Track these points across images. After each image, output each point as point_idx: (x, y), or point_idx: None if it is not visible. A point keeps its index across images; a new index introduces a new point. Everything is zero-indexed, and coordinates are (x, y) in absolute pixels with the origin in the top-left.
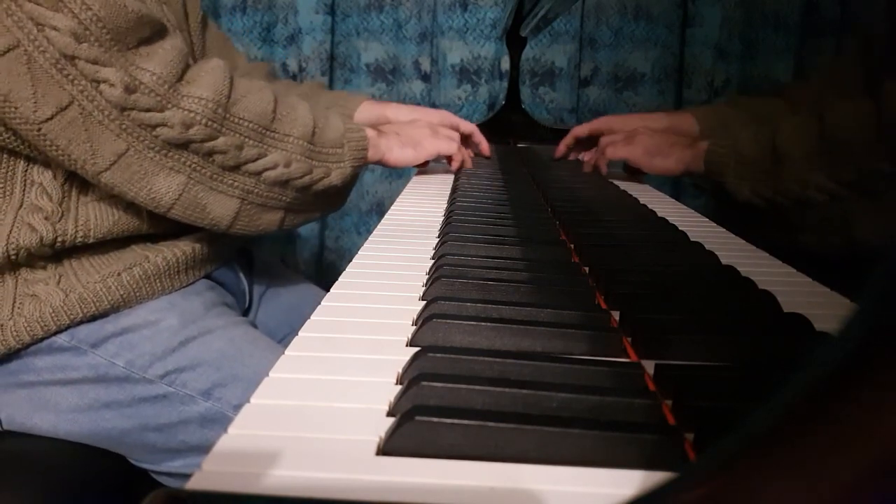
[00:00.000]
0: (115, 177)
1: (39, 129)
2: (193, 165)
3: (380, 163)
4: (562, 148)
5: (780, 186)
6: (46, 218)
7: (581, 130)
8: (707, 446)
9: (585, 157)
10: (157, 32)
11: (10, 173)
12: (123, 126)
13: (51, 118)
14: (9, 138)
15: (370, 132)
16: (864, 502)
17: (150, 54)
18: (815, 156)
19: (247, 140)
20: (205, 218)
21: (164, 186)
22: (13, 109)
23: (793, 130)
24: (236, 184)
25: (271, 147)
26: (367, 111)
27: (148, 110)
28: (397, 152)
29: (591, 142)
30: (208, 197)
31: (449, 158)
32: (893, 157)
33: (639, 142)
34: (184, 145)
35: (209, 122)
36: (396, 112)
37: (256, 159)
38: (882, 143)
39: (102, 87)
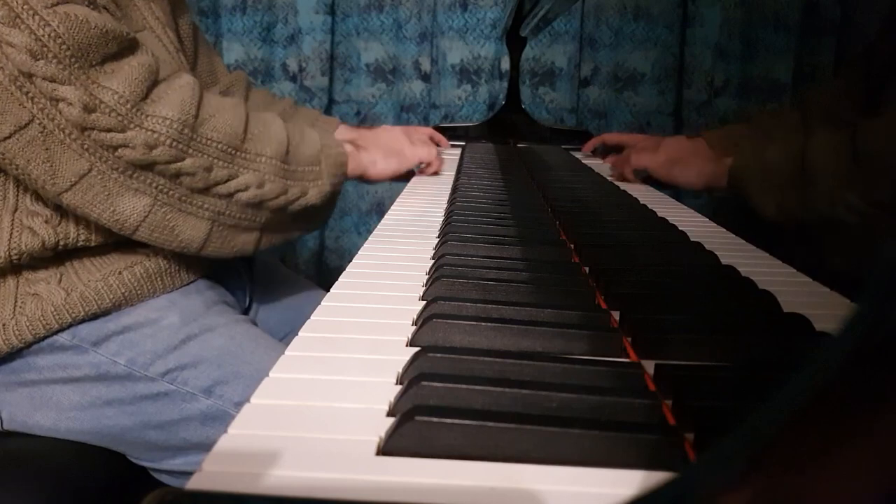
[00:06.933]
0: (76, 197)
1: None
2: (160, 187)
3: (361, 177)
4: (589, 147)
5: (808, 205)
6: (46, 221)
7: (611, 138)
8: (707, 446)
9: (609, 161)
10: (125, 48)
11: (1, 178)
12: (85, 146)
13: (9, 137)
14: None
15: (349, 147)
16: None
17: (116, 71)
18: (847, 174)
19: (216, 161)
20: (173, 240)
21: (128, 208)
22: None
23: (823, 147)
24: (206, 205)
25: (242, 168)
26: (341, 136)
27: (108, 130)
28: (381, 165)
29: (617, 150)
30: (177, 219)
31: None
32: None
33: (662, 151)
34: (148, 167)
35: (174, 143)
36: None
37: (227, 181)
38: None
39: (61, 105)
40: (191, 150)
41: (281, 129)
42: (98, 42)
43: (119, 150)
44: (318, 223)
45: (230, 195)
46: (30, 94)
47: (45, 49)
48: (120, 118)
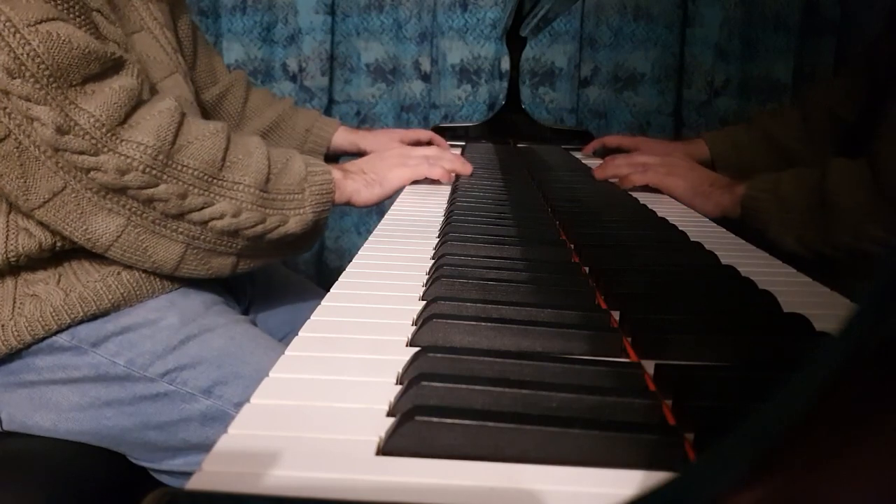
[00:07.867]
0: (48, 214)
1: None
2: (133, 209)
3: (348, 204)
4: (590, 149)
5: (829, 237)
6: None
7: (612, 140)
8: (707, 446)
9: (611, 160)
10: (109, 68)
11: None
12: (60, 164)
13: None
14: None
15: (336, 174)
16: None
17: (96, 92)
18: (870, 204)
19: (191, 188)
20: (146, 261)
21: (101, 227)
22: None
23: (842, 175)
24: (181, 229)
25: (218, 196)
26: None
27: (81, 153)
28: (365, 194)
29: (618, 153)
30: (150, 240)
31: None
32: None
33: (682, 175)
34: (121, 190)
35: (147, 169)
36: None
37: (202, 208)
38: None
39: (35, 125)
40: (165, 177)
41: (262, 157)
42: (79, 63)
43: (91, 172)
44: (301, 250)
45: (205, 222)
46: (7, 110)
47: (22, 68)
48: (94, 142)
